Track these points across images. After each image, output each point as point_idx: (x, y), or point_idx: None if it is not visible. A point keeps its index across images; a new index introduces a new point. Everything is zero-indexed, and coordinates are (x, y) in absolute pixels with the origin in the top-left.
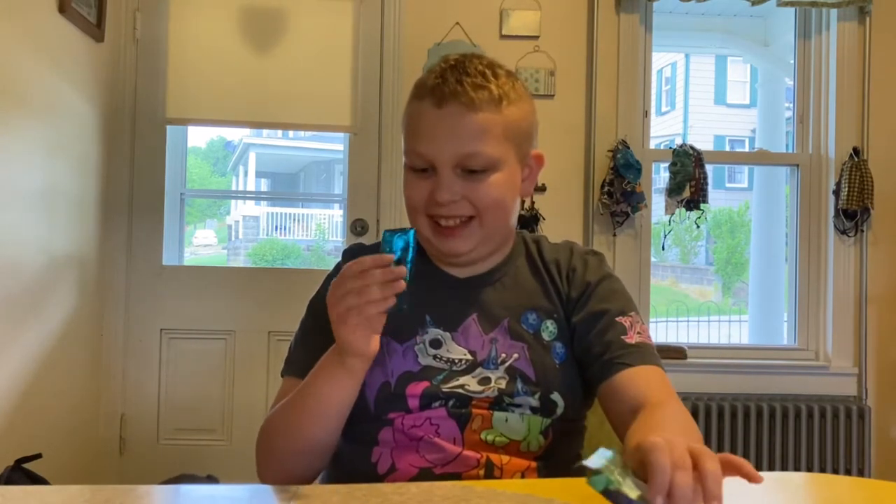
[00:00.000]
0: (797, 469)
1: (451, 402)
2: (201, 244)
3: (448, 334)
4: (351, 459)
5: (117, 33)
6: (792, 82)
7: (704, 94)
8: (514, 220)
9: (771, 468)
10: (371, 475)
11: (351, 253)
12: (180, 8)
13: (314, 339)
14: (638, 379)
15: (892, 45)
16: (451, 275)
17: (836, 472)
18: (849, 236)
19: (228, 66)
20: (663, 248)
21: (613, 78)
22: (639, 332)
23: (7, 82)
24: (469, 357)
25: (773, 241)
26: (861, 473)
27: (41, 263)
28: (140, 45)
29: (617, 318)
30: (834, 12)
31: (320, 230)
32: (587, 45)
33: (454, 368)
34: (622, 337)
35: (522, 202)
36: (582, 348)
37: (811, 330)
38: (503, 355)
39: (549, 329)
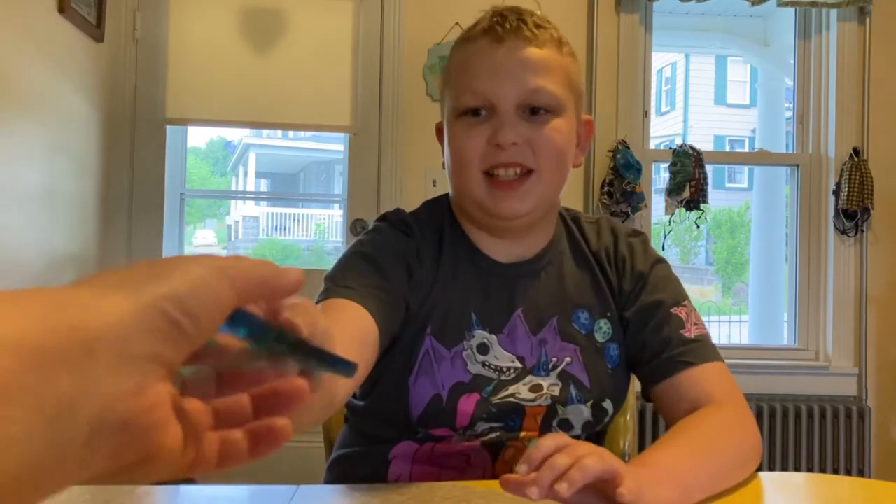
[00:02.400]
0: (797, 469)
1: (492, 433)
2: (201, 244)
3: (494, 337)
4: (368, 471)
5: (117, 33)
6: (792, 82)
7: (704, 94)
8: (562, 191)
9: (771, 468)
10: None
11: (387, 219)
12: (180, 8)
13: (382, 283)
14: (701, 379)
15: (892, 45)
16: (494, 259)
17: (836, 472)
18: (849, 236)
19: (228, 66)
20: (663, 248)
21: (613, 78)
22: (695, 324)
23: (7, 82)
24: (518, 364)
25: (773, 241)
26: (861, 473)
27: (41, 263)
28: (140, 45)
29: (672, 310)
30: (834, 12)
31: (320, 230)
32: (587, 45)
33: (503, 378)
34: (681, 332)
35: None
36: (637, 344)
37: (811, 330)
38: (554, 359)
39: (602, 330)
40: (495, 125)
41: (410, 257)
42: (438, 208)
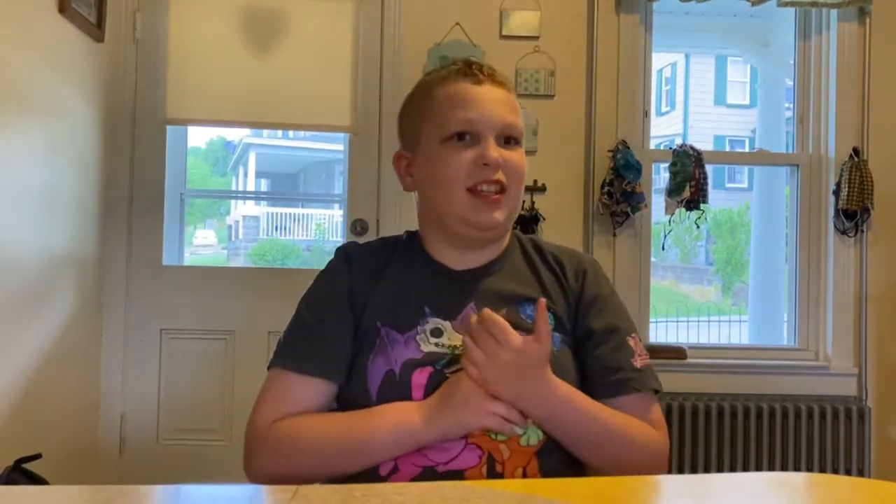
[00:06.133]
0: (797, 469)
1: None
2: (201, 244)
3: (447, 323)
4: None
5: (117, 33)
6: (792, 82)
7: (704, 95)
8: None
9: (771, 468)
10: (372, 475)
11: (345, 251)
12: (180, 8)
13: (319, 335)
14: (641, 404)
15: (892, 45)
16: (448, 267)
17: (836, 472)
18: (849, 236)
19: (228, 66)
20: (663, 249)
21: (613, 78)
22: (640, 355)
23: (7, 82)
24: None
25: (773, 241)
26: (861, 473)
27: (41, 263)
28: (140, 46)
29: (627, 339)
30: (834, 12)
31: (320, 230)
32: (587, 45)
33: (456, 353)
34: (631, 360)
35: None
36: (593, 356)
37: (811, 330)
38: None
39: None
40: (480, 149)
41: (353, 280)
42: (392, 237)
